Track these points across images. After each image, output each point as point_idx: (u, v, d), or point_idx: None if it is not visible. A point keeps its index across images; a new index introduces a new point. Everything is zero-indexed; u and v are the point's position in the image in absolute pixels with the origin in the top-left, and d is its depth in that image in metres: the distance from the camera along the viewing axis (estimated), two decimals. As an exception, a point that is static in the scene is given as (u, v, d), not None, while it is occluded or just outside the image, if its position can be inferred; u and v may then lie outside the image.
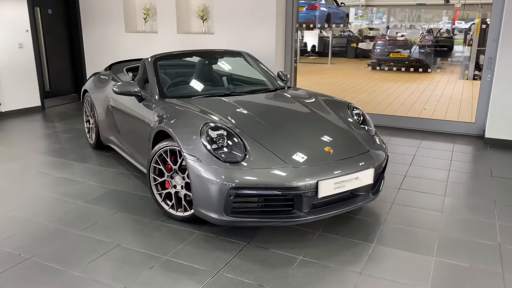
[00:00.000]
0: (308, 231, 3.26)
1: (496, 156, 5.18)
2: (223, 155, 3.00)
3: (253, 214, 2.99)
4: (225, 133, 3.13)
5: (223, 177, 2.89)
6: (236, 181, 2.88)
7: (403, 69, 13.47)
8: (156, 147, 3.41)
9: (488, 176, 4.45)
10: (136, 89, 3.96)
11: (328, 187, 2.96)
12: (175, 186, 3.38)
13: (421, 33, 16.46)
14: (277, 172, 2.94)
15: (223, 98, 3.90)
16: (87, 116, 5.46)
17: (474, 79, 12.35)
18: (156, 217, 3.51)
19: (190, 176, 3.08)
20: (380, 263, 2.88)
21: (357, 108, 3.92)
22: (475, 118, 6.10)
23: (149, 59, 4.27)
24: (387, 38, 14.73)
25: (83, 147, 5.45)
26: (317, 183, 2.92)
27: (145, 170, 4.01)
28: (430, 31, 16.12)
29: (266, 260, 2.90)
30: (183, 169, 3.29)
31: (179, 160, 3.27)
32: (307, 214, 2.98)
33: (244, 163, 2.96)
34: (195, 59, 4.60)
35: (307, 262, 2.88)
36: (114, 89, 4.00)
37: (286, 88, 4.40)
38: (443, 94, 10.02)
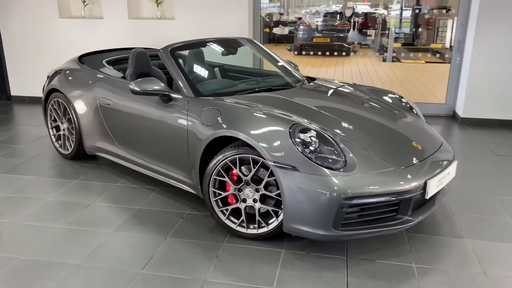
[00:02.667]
0: (394, 234, 3.03)
1: (481, 134, 5.46)
2: (324, 162, 2.60)
3: (359, 225, 2.65)
4: (314, 134, 2.72)
5: (335, 187, 2.50)
6: (349, 190, 2.51)
7: (327, 53, 13.83)
8: (220, 157, 2.85)
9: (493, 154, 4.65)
10: (162, 87, 3.29)
11: (434, 186, 2.75)
12: (244, 200, 2.88)
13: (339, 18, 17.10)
14: (388, 176, 2.63)
15: (270, 94, 3.42)
16: (55, 121, 4.50)
17: (392, 61, 13.17)
18: (219, 238, 2.98)
19: (281, 188, 2.63)
20: (494, 259, 2.77)
21: (402, 97, 3.76)
22: (445, 99, 6.40)
23: (164, 50, 3.58)
24: (308, 23, 14.97)
25: (53, 159, 4.49)
26: (425, 182, 2.69)
27: (176, 184, 3.40)
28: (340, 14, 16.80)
29: (383, 273, 2.60)
30: (255, 180, 2.81)
31: (253, 170, 2.78)
32: (412, 217, 2.74)
33: (350, 169, 2.59)
34: (210, 49, 4.00)
35: (425, 269, 2.65)
36: (133, 88, 3.27)
37: (307, 80, 4.03)
38: (373, 76, 10.47)
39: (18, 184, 3.89)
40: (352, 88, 3.82)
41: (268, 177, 2.75)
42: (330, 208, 2.51)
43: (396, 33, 18.64)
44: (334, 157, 2.64)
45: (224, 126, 2.88)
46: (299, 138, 2.65)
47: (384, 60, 13.40)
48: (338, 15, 15.98)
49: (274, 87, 3.59)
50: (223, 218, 2.96)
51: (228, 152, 2.83)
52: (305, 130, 2.72)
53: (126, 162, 3.85)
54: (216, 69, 4.42)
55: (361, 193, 2.52)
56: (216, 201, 2.96)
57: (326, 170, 2.55)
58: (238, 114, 2.95)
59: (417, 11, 17.05)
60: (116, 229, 3.11)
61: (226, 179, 2.89)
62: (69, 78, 4.28)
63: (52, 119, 4.55)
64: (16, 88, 7.18)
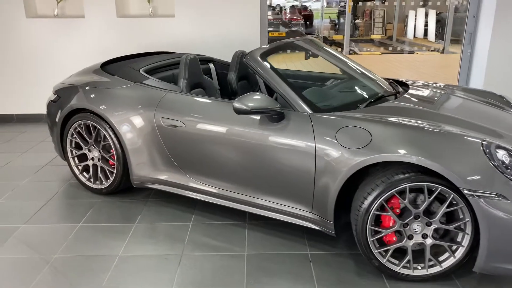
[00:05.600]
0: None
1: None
2: None
3: None
4: (506, 153, 2.28)
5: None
6: None
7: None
8: (382, 187, 2.31)
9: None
10: (275, 103, 2.65)
11: None
12: (410, 237, 2.39)
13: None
14: None
15: (400, 104, 2.91)
16: (79, 148, 3.59)
17: (349, 53, 13.20)
18: (378, 284, 2.45)
19: (481, 221, 2.17)
20: None
21: (502, 96, 3.46)
22: (456, 92, 6.33)
23: (252, 56, 2.92)
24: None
25: (80, 197, 3.58)
26: None
27: (286, 219, 2.79)
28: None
29: None
30: (428, 211, 2.34)
31: (428, 200, 2.29)
32: None
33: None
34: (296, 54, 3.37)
35: None
36: (239, 106, 2.60)
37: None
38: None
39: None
40: (458, 90, 3.43)
41: (447, 206, 2.28)
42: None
43: (335, 24, 18.89)
44: None
45: (384, 148, 2.34)
46: (497, 158, 2.21)
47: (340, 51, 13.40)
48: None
49: (384, 96, 3.09)
50: (382, 260, 2.43)
51: (393, 180, 2.31)
52: (499, 147, 2.29)
53: (200, 194, 3.13)
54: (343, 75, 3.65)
55: None
56: (373, 241, 2.43)
57: None
58: (399, 132, 2.42)
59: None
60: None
61: (390, 213, 2.36)
62: (103, 94, 3.40)
63: (74, 146, 3.63)
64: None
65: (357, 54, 12.99)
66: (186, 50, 5.36)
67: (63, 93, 3.66)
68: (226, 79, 3.87)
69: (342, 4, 17.94)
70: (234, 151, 2.86)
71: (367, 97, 3.01)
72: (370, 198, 2.35)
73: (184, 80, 3.41)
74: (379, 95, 3.06)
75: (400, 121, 2.53)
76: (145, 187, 3.39)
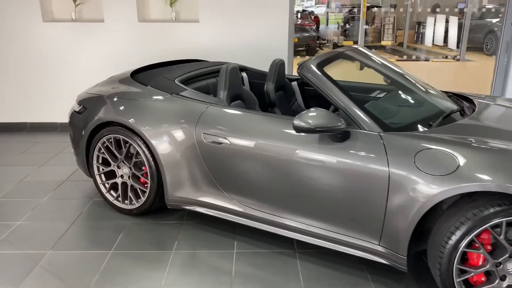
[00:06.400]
0: None
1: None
2: None
3: None
4: None
5: None
6: None
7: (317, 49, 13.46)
8: (473, 222, 2.01)
9: None
10: (341, 121, 2.35)
11: None
12: (503, 278, 2.08)
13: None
14: None
15: (474, 122, 2.60)
16: (107, 165, 3.29)
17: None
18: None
19: None
20: None
21: None
22: (490, 102, 6.05)
23: (307, 67, 2.62)
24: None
25: (107, 217, 3.27)
26: None
27: (349, 251, 2.49)
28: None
29: None
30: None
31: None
32: None
33: None
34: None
35: None
36: (301, 124, 2.32)
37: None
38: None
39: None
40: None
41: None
42: None
43: (344, 30, 18.64)
44: None
45: (477, 176, 2.04)
46: None
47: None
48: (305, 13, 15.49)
49: (452, 112, 2.78)
50: (469, 304, 2.13)
51: (487, 213, 2.00)
52: None
53: (244, 219, 2.83)
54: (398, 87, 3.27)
55: None
56: (460, 282, 2.12)
57: None
58: (492, 157, 2.11)
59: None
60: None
61: (482, 251, 2.06)
62: (135, 106, 3.10)
63: (101, 161, 3.32)
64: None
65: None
66: (211, 57, 5.09)
67: (89, 104, 3.36)
68: (258, 89, 3.59)
69: (349, 9, 17.69)
70: (287, 173, 2.55)
71: (436, 113, 2.70)
72: (458, 234, 2.05)
73: (224, 91, 3.12)
74: (449, 111, 2.75)
75: (489, 144, 2.23)
76: (181, 208, 3.08)
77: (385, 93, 3.23)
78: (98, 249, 2.85)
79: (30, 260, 2.71)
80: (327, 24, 18.70)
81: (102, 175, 3.35)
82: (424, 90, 3.07)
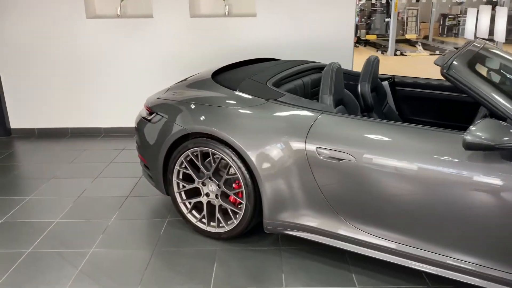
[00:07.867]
0: None
1: None
2: None
3: None
4: None
5: None
6: None
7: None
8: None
9: None
10: None
11: None
12: None
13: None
14: None
15: None
16: (191, 181, 2.86)
17: (395, 54, 12.43)
18: None
19: None
20: None
21: None
22: None
23: (456, 67, 2.16)
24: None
25: (190, 241, 2.85)
26: None
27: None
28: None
29: None
30: None
31: None
32: None
33: None
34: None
35: None
36: (475, 140, 1.87)
37: None
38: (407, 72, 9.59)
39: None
40: None
41: None
42: None
43: (367, 23, 18.05)
44: None
45: None
46: None
47: (383, 53, 12.55)
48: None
49: None
50: None
51: None
52: None
53: (367, 249, 2.39)
54: None
55: None
56: None
57: None
58: None
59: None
60: None
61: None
62: (226, 115, 2.66)
63: (182, 177, 2.89)
64: (19, 119, 5.16)
65: (404, 55, 12.20)
66: (270, 53, 4.68)
67: (164, 111, 2.93)
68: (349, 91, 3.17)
69: (372, 2, 17.14)
70: (435, 196, 2.11)
71: None
72: None
73: (330, 96, 2.68)
74: None
75: None
76: (282, 234, 2.65)
77: None
78: (193, 284, 2.42)
79: (119, 301, 2.30)
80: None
81: (183, 193, 2.92)
82: None
